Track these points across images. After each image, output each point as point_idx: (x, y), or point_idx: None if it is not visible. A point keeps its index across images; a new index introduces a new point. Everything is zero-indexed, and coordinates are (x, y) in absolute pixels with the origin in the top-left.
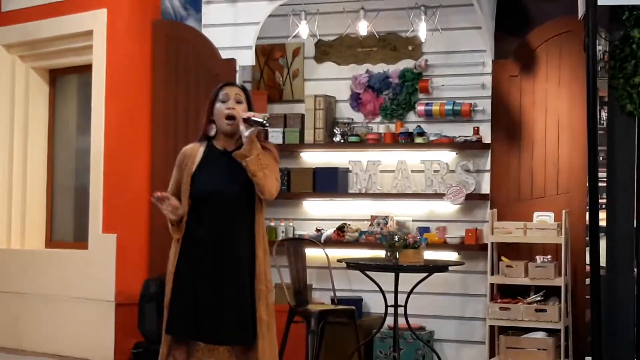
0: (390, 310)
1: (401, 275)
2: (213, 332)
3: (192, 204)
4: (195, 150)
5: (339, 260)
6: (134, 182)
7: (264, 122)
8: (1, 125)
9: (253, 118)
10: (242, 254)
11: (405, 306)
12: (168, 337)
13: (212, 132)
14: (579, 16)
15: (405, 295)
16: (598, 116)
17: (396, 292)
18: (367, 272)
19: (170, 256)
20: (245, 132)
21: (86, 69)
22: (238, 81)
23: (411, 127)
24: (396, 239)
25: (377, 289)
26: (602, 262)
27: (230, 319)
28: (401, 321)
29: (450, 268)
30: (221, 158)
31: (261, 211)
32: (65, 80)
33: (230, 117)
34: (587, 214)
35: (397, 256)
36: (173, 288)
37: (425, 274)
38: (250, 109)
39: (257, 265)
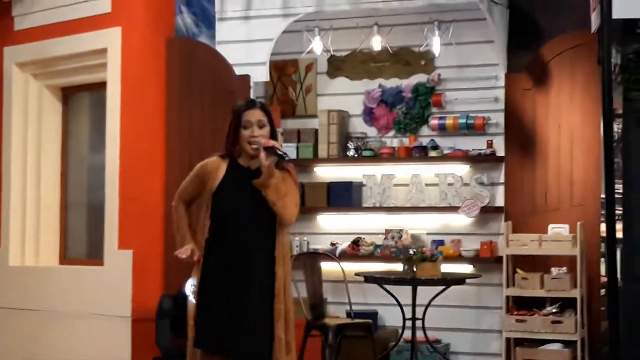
0: (408, 323)
1: (418, 288)
2: (234, 347)
3: (214, 221)
4: (218, 166)
5: (357, 274)
6: (150, 199)
7: (284, 154)
8: (15, 142)
9: (274, 148)
10: (262, 272)
11: (423, 319)
12: (197, 352)
13: (238, 152)
14: (592, 29)
15: (422, 309)
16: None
17: (414, 305)
18: (384, 286)
19: (195, 271)
20: (265, 160)
21: (99, 86)
22: (252, 96)
23: (425, 141)
24: (411, 252)
25: (392, 302)
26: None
27: (249, 336)
28: (417, 334)
29: (465, 281)
30: (245, 176)
31: (282, 232)
32: (78, 98)
33: (255, 145)
34: (603, 225)
35: (415, 269)
36: (199, 302)
37: (442, 287)
38: (272, 128)
39: (276, 285)
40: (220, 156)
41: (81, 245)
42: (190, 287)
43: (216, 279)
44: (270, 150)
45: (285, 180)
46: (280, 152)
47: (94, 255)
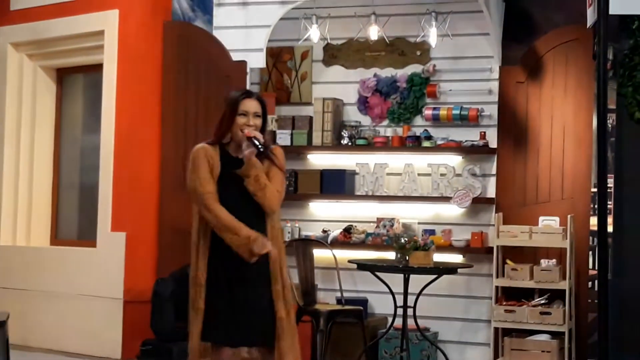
0: (399, 311)
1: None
2: (240, 335)
3: None
4: (213, 154)
5: (350, 261)
6: (144, 181)
7: (260, 147)
8: (8, 122)
9: (254, 139)
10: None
11: (414, 307)
12: (202, 345)
13: (228, 139)
14: (588, 25)
15: (414, 297)
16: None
17: (406, 293)
18: (377, 274)
19: (196, 260)
20: (245, 150)
21: (94, 68)
22: (248, 82)
23: (418, 131)
24: (402, 241)
25: (382, 290)
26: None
27: (252, 321)
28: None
29: (457, 270)
30: (235, 165)
31: (271, 216)
32: (73, 80)
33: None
34: (594, 218)
35: (407, 258)
36: (208, 295)
37: (434, 276)
38: (265, 120)
39: (271, 267)
40: (209, 144)
41: (73, 226)
42: None
43: (224, 267)
44: (251, 141)
45: (269, 169)
46: (257, 144)
47: (85, 236)
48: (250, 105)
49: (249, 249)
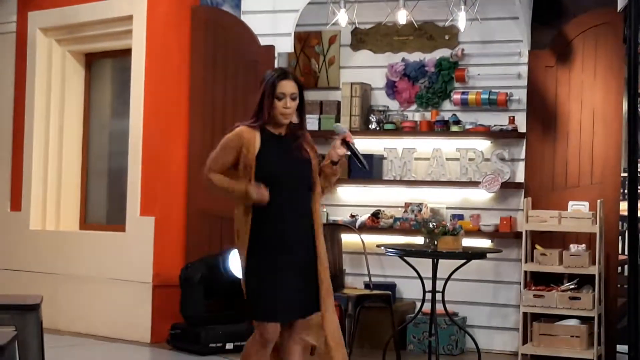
0: (427, 296)
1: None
2: (301, 307)
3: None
4: (252, 135)
5: (378, 246)
6: (172, 166)
7: (364, 164)
8: (37, 107)
9: (352, 144)
10: (307, 230)
11: (443, 292)
12: (270, 325)
13: (268, 119)
14: (619, 8)
15: (442, 282)
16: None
17: (434, 278)
18: (406, 258)
19: (244, 236)
20: (339, 152)
21: (122, 53)
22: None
23: (447, 116)
24: (431, 225)
25: (410, 274)
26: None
27: (309, 291)
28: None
29: (487, 255)
30: (281, 142)
31: (318, 197)
32: (101, 64)
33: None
34: (623, 203)
35: (436, 243)
36: (262, 275)
37: (463, 261)
38: (302, 101)
39: (316, 237)
40: (249, 126)
41: (102, 211)
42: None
43: (272, 247)
44: (349, 146)
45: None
46: (360, 157)
47: (114, 221)
48: (287, 87)
49: (247, 194)
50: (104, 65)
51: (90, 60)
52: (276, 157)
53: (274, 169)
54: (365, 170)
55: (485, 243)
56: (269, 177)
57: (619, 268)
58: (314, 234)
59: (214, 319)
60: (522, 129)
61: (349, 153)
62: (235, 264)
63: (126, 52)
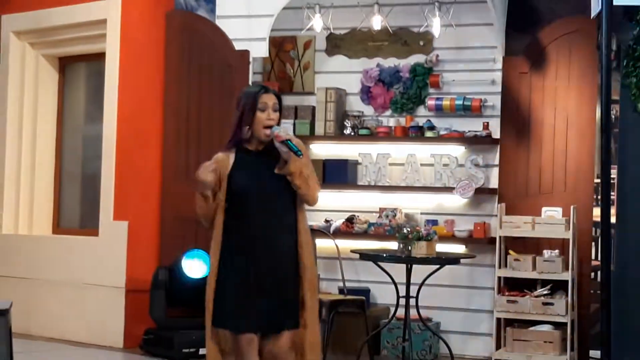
0: (401, 301)
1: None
2: (268, 322)
3: (232, 202)
4: (226, 156)
5: (352, 251)
6: (146, 170)
7: (300, 152)
8: (11, 111)
9: (292, 142)
10: (287, 246)
11: (417, 297)
12: (220, 332)
13: (248, 135)
14: (592, 15)
15: (416, 287)
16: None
17: (408, 283)
18: (380, 264)
19: (215, 252)
20: (284, 149)
21: (96, 57)
22: (250, 72)
23: (421, 121)
24: (405, 231)
25: (384, 280)
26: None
27: (280, 306)
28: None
29: (460, 261)
30: (256, 158)
31: (301, 208)
32: (75, 68)
33: (268, 132)
34: (596, 209)
35: (410, 248)
36: (224, 284)
37: (437, 266)
38: (281, 114)
39: (300, 256)
40: (223, 151)
41: (75, 215)
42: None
43: (240, 259)
44: (286, 144)
45: (306, 164)
46: (295, 150)
47: (87, 225)
48: (269, 99)
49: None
50: (77, 69)
51: (64, 64)
52: (249, 172)
53: (244, 183)
54: (300, 155)
55: (459, 248)
56: (240, 192)
57: (592, 274)
58: (297, 247)
59: (176, 323)
60: (496, 135)
61: (291, 151)
62: (193, 268)
63: (100, 56)
